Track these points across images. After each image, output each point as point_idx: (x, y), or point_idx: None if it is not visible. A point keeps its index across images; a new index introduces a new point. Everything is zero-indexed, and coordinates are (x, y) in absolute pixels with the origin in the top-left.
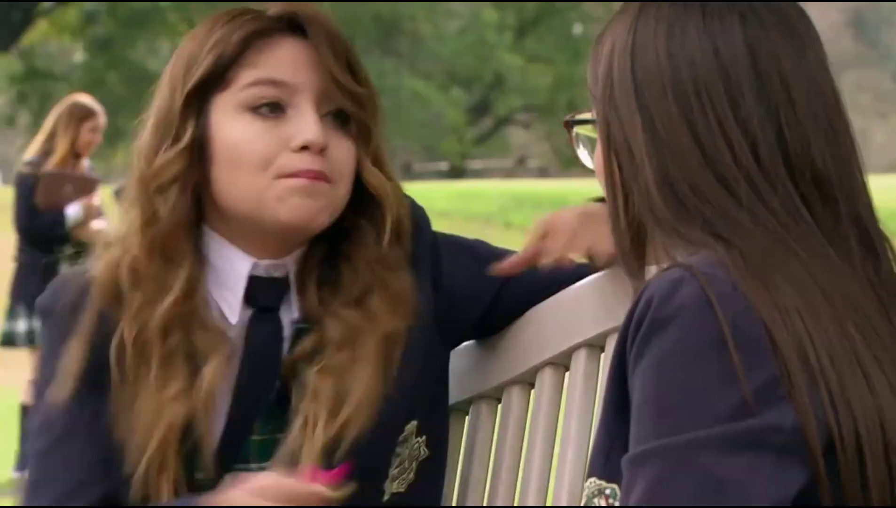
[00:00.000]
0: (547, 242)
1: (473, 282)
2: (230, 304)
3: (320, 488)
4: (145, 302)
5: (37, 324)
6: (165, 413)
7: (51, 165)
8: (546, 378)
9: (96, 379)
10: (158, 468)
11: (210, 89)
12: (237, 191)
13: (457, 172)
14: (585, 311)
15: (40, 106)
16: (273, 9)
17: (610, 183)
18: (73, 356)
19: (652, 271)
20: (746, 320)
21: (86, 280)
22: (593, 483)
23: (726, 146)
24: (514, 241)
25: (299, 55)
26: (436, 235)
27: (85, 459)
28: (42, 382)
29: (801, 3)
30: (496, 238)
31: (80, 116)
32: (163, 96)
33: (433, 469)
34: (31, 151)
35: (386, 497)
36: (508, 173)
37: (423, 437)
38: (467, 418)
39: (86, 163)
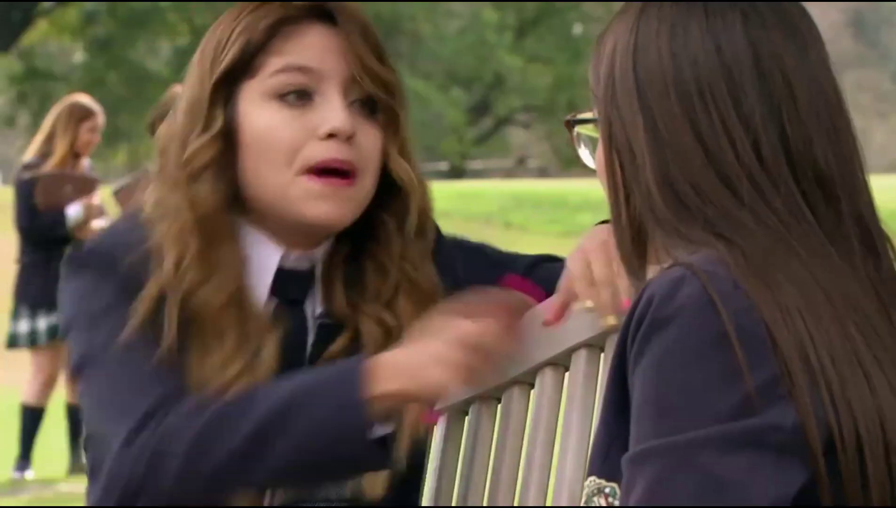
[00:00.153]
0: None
1: (483, 283)
2: (258, 294)
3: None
4: (198, 280)
5: (39, 325)
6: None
7: (50, 165)
8: (546, 378)
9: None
10: None
11: (238, 77)
12: (263, 183)
13: (457, 173)
14: (586, 311)
15: (40, 106)
16: None
17: (611, 183)
18: (145, 301)
19: (653, 270)
20: (748, 319)
21: (136, 244)
22: (593, 481)
23: (729, 145)
24: (514, 241)
25: (327, 42)
26: (452, 236)
27: (176, 378)
28: (101, 332)
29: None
30: (496, 238)
31: (79, 116)
32: (192, 84)
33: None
34: (31, 152)
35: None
36: (508, 173)
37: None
38: (467, 418)
39: (86, 162)
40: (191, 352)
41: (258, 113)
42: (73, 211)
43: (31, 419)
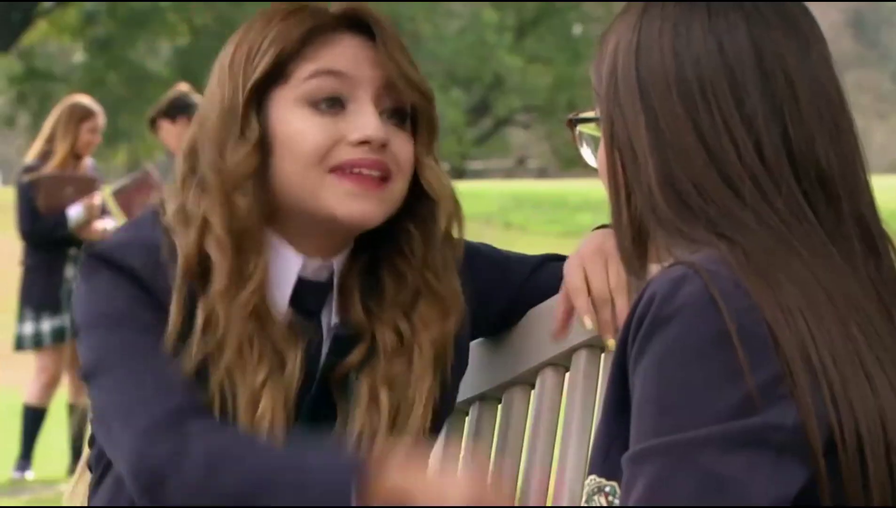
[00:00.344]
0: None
1: (492, 286)
2: (277, 303)
3: None
4: (227, 287)
5: (43, 327)
6: (264, 401)
7: (51, 167)
8: (547, 379)
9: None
10: None
11: (270, 83)
12: (295, 185)
13: (456, 173)
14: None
15: (40, 106)
16: (334, 7)
17: (612, 182)
18: (175, 314)
19: (653, 269)
20: (749, 318)
21: (154, 249)
22: (593, 480)
23: (731, 145)
24: (513, 241)
25: (359, 51)
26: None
27: (198, 392)
28: (117, 335)
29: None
30: (496, 238)
31: (79, 116)
32: (224, 90)
33: None
34: (32, 154)
35: None
36: (508, 174)
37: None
38: (468, 418)
39: (88, 162)
40: (215, 361)
41: (290, 119)
42: (75, 212)
43: (33, 419)
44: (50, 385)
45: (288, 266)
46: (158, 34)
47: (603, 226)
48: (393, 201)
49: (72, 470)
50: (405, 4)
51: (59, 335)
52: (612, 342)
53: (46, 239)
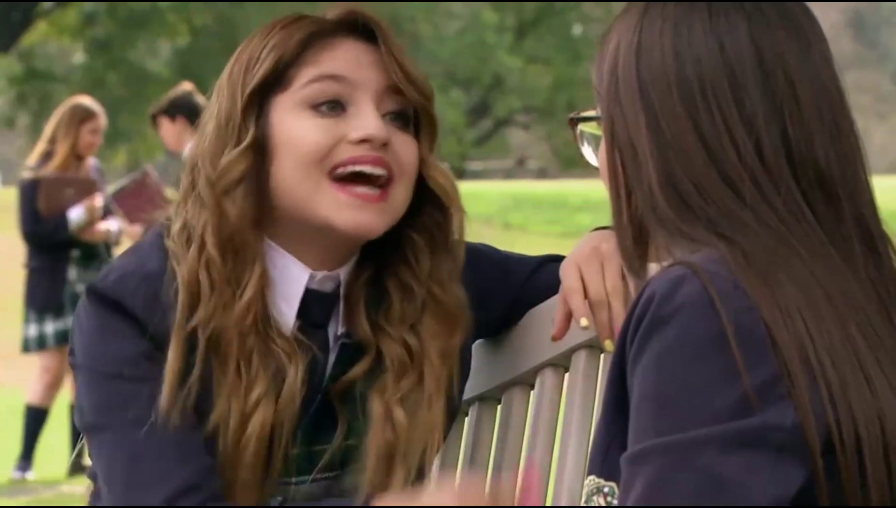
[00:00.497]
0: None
1: (493, 287)
2: (284, 315)
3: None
4: (222, 303)
5: (47, 329)
6: (254, 420)
7: (51, 168)
8: (546, 379)
9: (185, 372)
10: (247, 472)
11: (270, 90)
12: (293, 190)
13: (456, 174)
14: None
15: (40, 107)
16: (333, 13)
17: (612, 181)
18: (172, 360)
19: (653, 268)
20: (748, 318)
21: (158, 279)
22: (592, 481)
23: (731, 145)
24: (513, 242)
25: (360, 55)
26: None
27: (195, 457)
28: (117, 386)
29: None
30: (496, 239)
31: (80, 118)
32: (223, 100)
33: None
34: (34, 156)
35: None
36: (508, 174)
37: None
38: (467, 418)
39: (92, 162)
40: (215, 376)
41: (290, 122)
42: (76, 214)
43: (35, 419)
44: (53, 386)
45: (294, 279)
46: (158, 34)
47: (600, 228)
48: (395, 209)
49: (72, 471)
50: (405, 5)
51: (62, 337)
52: (609, 344)
53: (48, 241)
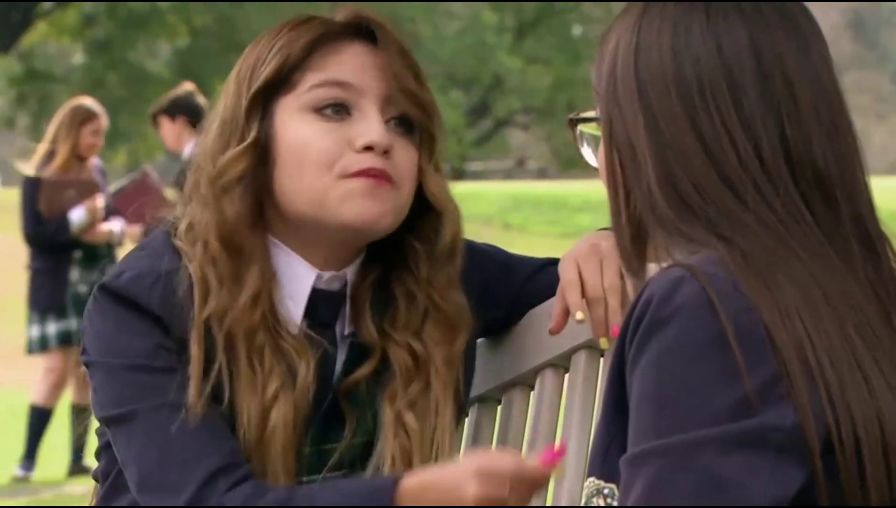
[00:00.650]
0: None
1: (495, 287)
2: (291, 314)
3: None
4: (229, 300)
5: (49, 330)
6: (274, 413)
7: (52, 169)
8: (546, 380)
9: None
10: (276, 464)
11: (275, 92)
12: (301, 191)
13: (456, 174)
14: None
15: (40, 107)
16: (340, 15)
17: (611, 181)
18: (195, 354)
19: (652, 269)
20: (747, 319)
21: (172, 276)
22: (592, 482)
23: (730, 146)
24: (513, 242)
25: (366, 60)
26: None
27: (227, 440)
28: (136, 380)
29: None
30: (495, 239)
31: (81, 118)
32: (228, 100)
33: None
34: (36, 157)
35: None
36: (507, 175)
37: None
38: (467, 419)
39: (95, 162)
40: (232, 371)
41: (295, 126)
42: (77, 215)
43: (40, 419)
44: (57, 386)
45: (301, 279)
46: (158, 35)
47: (602, 229)
48: (399, 205)
49: (72, 472)
50: (404, 5)
51: (64, 338)
52: (604, 341)
53: (50, 243)
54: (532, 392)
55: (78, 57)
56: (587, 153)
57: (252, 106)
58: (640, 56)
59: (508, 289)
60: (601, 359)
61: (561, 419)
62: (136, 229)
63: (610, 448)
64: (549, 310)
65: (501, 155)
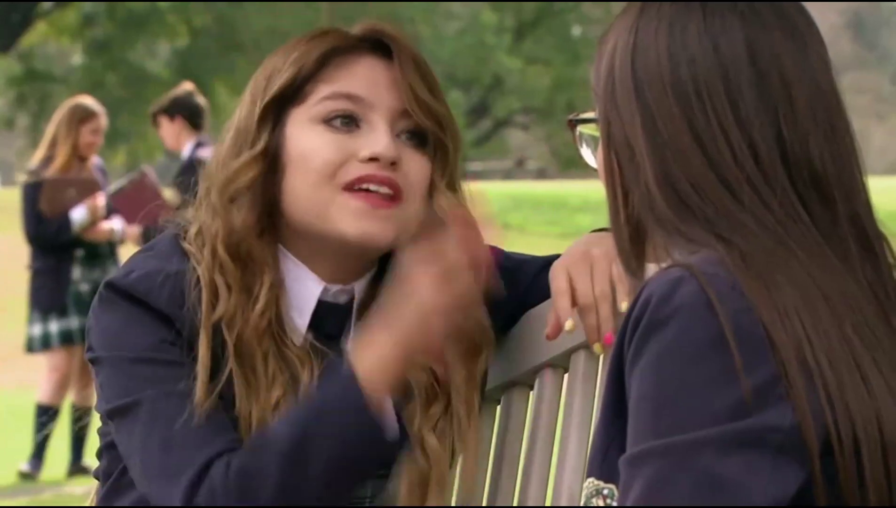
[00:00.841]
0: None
1: (502, 297)
2: (296, 325)
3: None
4: (237, 307)
5: (51, 328)
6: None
7: (52, 169)
8: (545, 380)
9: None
10: None
11: (287, 103)
12: (304, 201)
13: None
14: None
15: (39, 108)
16: (357, 28)
17: (610, 181)
18: (203, 354)
19: (651, 269)
20: (746, 319)
21: (181, 277)
22: (591, 483)
23: (727, 147)
24: (512, 242)
25: (378, 73)
26: None
27: (230, 431)
28: (141, 374)
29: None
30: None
31: (80, 118)
32: (243, 110)
33: None
34: (36, 157)
35: None
36: (507, 175)
37: None
38: None
39: (96, 161)
40: (237, 374)
41: (303, 135)
42: (78, 215)
43: (47, 417)
44: (62, 385)
45: (308, 291)
46: (157, 35)
47: (599, 230)
48: (404, 221)
49: (72, 471)
50: (404, 5)
51: (66, 337)
52: (598, 347)
53: (52, 243)
54: (531, 393)
55: (77, 57)
56: (587, 154)
57: (264, 116)
58: (637, 56)
59: (514, 294)
60: (600, 359)
61: (560, 419)
62: (135, 230)
63: (609, 448)
64: (547, 310)
65: (501, 155)
